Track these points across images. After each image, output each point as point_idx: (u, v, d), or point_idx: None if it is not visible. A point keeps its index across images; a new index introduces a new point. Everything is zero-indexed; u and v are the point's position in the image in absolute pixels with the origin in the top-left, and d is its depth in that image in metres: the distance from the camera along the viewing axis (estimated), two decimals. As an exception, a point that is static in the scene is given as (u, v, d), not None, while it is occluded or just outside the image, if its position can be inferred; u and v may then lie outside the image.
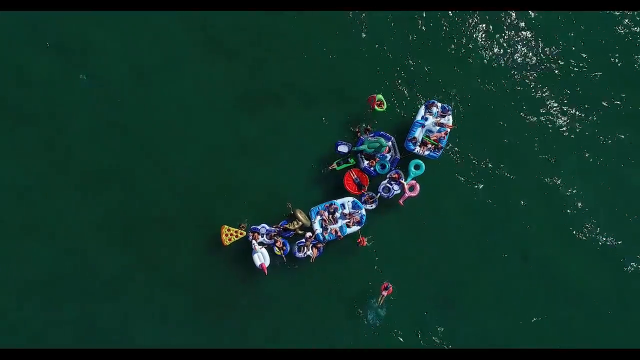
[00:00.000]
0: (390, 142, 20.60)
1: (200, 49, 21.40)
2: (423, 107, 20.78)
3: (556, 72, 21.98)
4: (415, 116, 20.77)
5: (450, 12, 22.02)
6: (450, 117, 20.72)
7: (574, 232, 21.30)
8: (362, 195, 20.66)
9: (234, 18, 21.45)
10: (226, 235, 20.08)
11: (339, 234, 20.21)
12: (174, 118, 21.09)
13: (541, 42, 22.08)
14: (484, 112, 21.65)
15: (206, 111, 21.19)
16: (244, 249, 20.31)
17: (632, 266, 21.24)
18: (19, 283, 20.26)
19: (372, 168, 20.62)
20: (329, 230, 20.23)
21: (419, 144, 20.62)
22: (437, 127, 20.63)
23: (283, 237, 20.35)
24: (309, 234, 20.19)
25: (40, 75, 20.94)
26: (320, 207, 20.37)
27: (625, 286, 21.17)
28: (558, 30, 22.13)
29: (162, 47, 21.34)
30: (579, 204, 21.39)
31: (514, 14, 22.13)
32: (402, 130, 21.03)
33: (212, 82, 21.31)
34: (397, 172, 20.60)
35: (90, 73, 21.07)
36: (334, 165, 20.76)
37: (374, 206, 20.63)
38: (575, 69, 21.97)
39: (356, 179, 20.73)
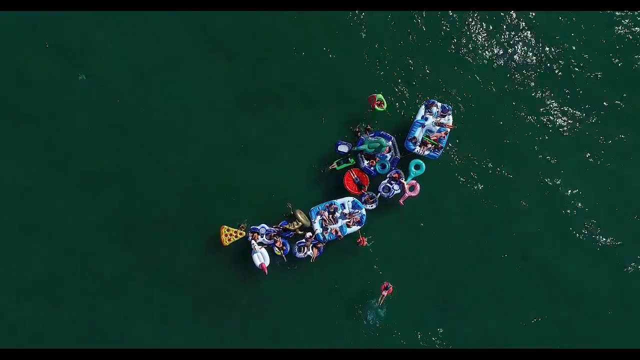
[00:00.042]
0: (390, 142, 20.59)
1: (200, 49, 21.40)
2: (423, 106, 20.77)
3: (556, 72, 21.99)
4: (415, 116, 20.77)
5: (450, 12, 22.01)
6: (451, 117, 20.72)
7: (574, 232, 21.31)
8: (362, 195, 20.66)
9: (234, 18, 21.45)
10: (226, 235, 20.07)
11: (339, 233, 20.20)
12: (174, 118, 21.08)
13: (541, 42, 22.09)
14: (484, 112, 21.66)
15: (206, 111, 21.18)
16: (244, 249, 20.31)
17: (631, 266, 21.26)
18: (19, 283, 20.23)
19: (372, 168, 20.61)
20: (329, 230, 20.23)
21: (419, 143, 20.62)
22: (437, 127, 20.62)
23: (283, 237, 20.34)
24: (309, 234, 20.19)
25: (39, 75, 20.91)
26: (321, 207, 20.37)
27: (625, 286, 21.19)
28: (558, 30, 22.13)
29: (162, 47, 21.33)
30: (579, 204, 21.39)
31: (514, 14, 22.14)
32: (402, 130, 21.03)
33: (212, 81, 21.30)
34: (397, 172, 20.60)
35: (90, 73, 21.05)
36: (334, 165, 20.76)
37: (374, 206, 20.63)
38: (576, 69, 21.97)
39: (356, 179, 20.73)
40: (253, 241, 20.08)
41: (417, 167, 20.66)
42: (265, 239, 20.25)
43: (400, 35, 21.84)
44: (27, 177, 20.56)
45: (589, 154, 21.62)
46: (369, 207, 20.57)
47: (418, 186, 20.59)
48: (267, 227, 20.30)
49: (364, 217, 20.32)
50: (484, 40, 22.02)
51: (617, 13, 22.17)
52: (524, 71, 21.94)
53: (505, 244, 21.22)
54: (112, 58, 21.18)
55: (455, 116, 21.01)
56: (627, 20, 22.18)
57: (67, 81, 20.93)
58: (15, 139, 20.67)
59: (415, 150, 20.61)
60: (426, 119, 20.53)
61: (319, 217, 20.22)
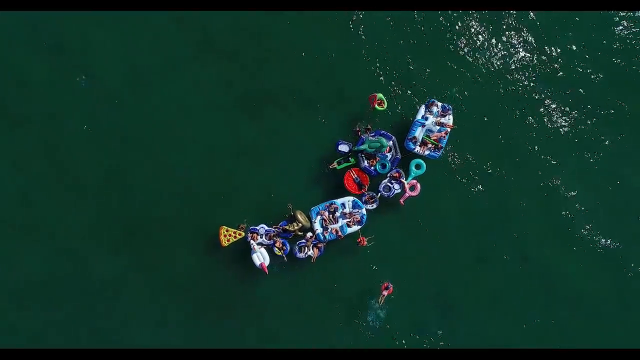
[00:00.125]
0: (391, 142, 20.58)
1: (199, 50, 21.37)
2: (423, 106, 20.77)
3: (556, 72, 21.98)
4: (415, 115, 20.76)
5: (450, 12, 22.00)
6: (451, 117, 20.71)
7: (574, 233, 21.32)
8: (363, 195, 20.65)
9: (234, 18, 21.43)
10: (225, 236, 20.05)
11: (340, 233, 20.19)
12: (173, 118, 21.05)
13: (541, 42, 22.09)
14: (484, 113, 21.66)
15: (206, 111, 21.16)
16: (244, 249, 20.29)
17: (631, 266, 21.25)
18: (18, 283, 20.21)
19: (372, 167, 20.60)
20: (329, 230, 20.22)
21: (419, 143, 20.61)
22: (438, 127, 20.62)
23: (282, 237, 20.32)
24: (309, 234, 20.18)
25: (38, 76, 20.87)
26: (321, 207, 20.36)
27: (624, 286, 21.21)
28: (558, 30, 22.14)
29: (161, 47, 21.29)
30: (579, 205, 21.40)
31: (514, 14, 22.12)
32: (402, 129, 21.02)
33: (211, 81, 21.28)
34: (397, 171, 20.59)
35: (89, 74, 21.01)
36: (335, 165, 20.75)
37: (374, 206, 20.61)
38: (576, 70, 21.97)
39: (356, 179, 20.72)
40: (252, 241, 20.06)
41: (418, 166, 20.66)
42: (265, 240, 20.24)
43: (400, 35, 21.84)
44: (25, 178, 20.52)
45: (589, 155, 21.62)
46: (369, 207, 20.56)
47: (419, 186, 20.59)
48: (266, 228, 20.29)
49: (364, 217, 20.31)
50: (484, 41, 22.02)
51: (618, 13, 22.17)
52: (524, 71, 21.94)
53: (505, 244, 21.22)
54: (111, 59, 21.14)
55: (456, 116, 20.98)
56: (628, 21, 22.17)
57: (65, 81, 20.90)
58: (14, 140, 20.63)
59: (416, 150, 20.61)
60: (426, 119, 20.53)
61: (319, 217, 20.21)
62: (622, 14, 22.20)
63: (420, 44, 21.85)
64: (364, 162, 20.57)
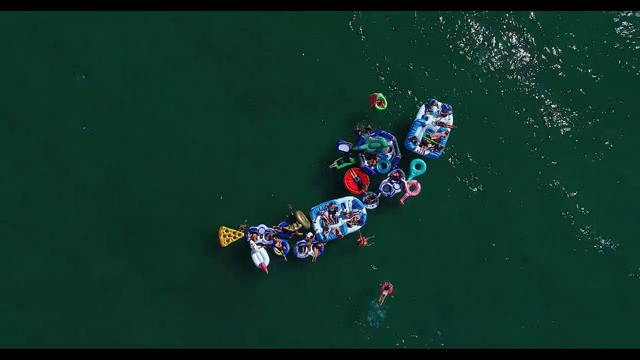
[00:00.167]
0: (391, 142, 20.58)
1: (200, 50, 21.34)
2: (423, 106, 20.76)
3: (556, 72, 21.97)
4: (415, 115, 20.75)
5: (450, 12, 21.99)
6: (451, 117, 20.70)
7: (574, 233, 21.32)
8: (363, 195, 20.65)
9: (234, 18, 21.41)
10: (224, 236, 20.04)
11: (340, 233, 20.19)
12: (173, 119, 21.04)
13: (541, 42, 22.08)
14: (484, 113, 21.65)
15: (206, 111, 21.15)
16: (244, 249, 20.29)
17: (631, 267, 21.25)
18: (19, 283, 20.22)
19: (372, 167, 20.59)
20: (329, 230, 20.21)
21: (419, 143, 20.60)
22: (438, 127, 20.61)
23: (282, 237, 20.32)
24: (310, 234, 20.18)
25: (38, 76, 20.85)
26: (321, 206, 20.35)
27: (624, 286, 21.20)
28: (558, 30, 22.12)
29: (161, 47, 21.26)
30: (579, 205, 21.40)
31: (514, 14, 22.11)
32: (402, 129, 21.02)
33: (211, 82, 21.26)
34: (398, 171, 20.58)
35: (89, 74, 20.99)
36: (335, 164, 20.74)
37: (375, 206, 20.61)
38: (576, 70, 21.96)
39: (356, 178, 20.72)
40: (252, 241, 20.06)
41: (418, 166, 20.65)
42: (265, 240, 20.24)
43: (400, 35, 21.83)
44: (25, 178, 20.51)
45: (589, 155, 21.61)
46: (369, 207, 20.55)
47: (419, 186, 20.58)
48: (266, 228, 20.29)
49: (365, 217, 20.31)
50: (484, 41, 22.02)
51: (618, 13, 22.17)
52: (524, 71, 21.94)
53: (505, 244, 21.22)
54: (110, 58, 21.11)
55: (456, 117, 20.97)
56: (627, 21, 22.17)
57: (65, 81, 20.87)
58: (14, 140, 20.62)
59: (416, 150, 20.60)
60: (426, 119, 20.52)
61: (319, 217, 20.21)
62: (622, 14, 22.20)
63: (420, 44, 21.84)
64: (364, 162, 20.57)
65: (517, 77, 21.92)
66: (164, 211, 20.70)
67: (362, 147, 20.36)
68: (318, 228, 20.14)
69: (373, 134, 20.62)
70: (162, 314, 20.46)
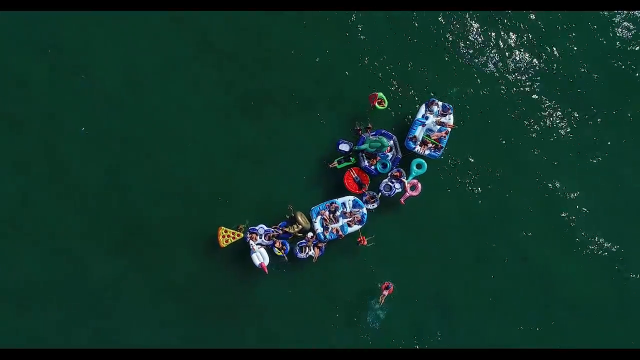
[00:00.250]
0: (391, 141, 20.57)
1: (199, 50, 21.32)
2: (423, 105, 20.75)
3: (556, 73, 21.98)
4: (415, 114, 20.74)
5: (450, 12, 21.98)
6: (451, 117, 20.69)
7: (574, 234, 21.34)
8: (363, 194, 20.64)
9: (234, 18, 21.39)
10: (223, 236, 20.02)
11: (341, 233, 20.18)
12: (173, 119, 21.00)
13: (541, 42, 22.09)
14: (484, 113, 21.66)
15: (205, 111, 21.13)
16: (244, 249, 20.27)
17: (631, 268, 21.26)
18: (18, 283, 20.20)
19: (372, 167, 20.58)
20: (329, 230, 20.21)
21: (419, 142, 20.59)
22: (438, 127, 20.61)
23: (281, 238, 20.31)
24: (310, 234, 20.17)
25: (37, 76, 20.80)
26: (321, 206, 20.34)
27: (624, 286, 21.22)
28: (558, 30, 22.13)
29: (161, 47, 21.23)
30: (579, 206, 21.41)
31: (514, 14, 22.10)
32: (402, 128, 21.02)
33: (211, 82, 21.24)
34: (398, 171, 20.57)
35: (89, 74, 20.95)
36: (335, 164, 20.72)
37: (375, 205, 20.60)
38: (576, 70, 21.97)
39: (356, 178, 20.71)
40: (252, 242, 20.05)
41: (419, 166, 20.63)
42: (264, 240, 20.23)
43: (400, 35, 21.83)
44: (25, 178, 20.47)
45: (589, 156, 21.62)
46: (370, 206, 20.55)
47: (419, 185, 20.57)
48: (265, 228, 20.28)
49: (365, 216, 20.30)
50: (484, 41, 22.02)
51: (618, 13, 22.16)
52: (524, 71, 21.95)
53: (505, 244, 21.23)
54: (110, 58, 21.04)
55: (456, 117, 20.96)
56: (627, 21, 22.18)
57: (65, 81, 20.82)
58: (14, 140, 20.59)
59: (416, 150, 20.59)
60: (427, 118, 20.51)
61: (319, 217, 20.20)
62: (622, 14, 22.20)
63: (420, 43, 21.84)
64: (364, 161, 20.56)
65: (517, 77, 21.93)
66: (163, 211, 20.69)
67: (363, 146, 20.35)
68: (318, 228, 20.13)
69: (373, 133, 20.60)
70: (162, 314, 20.44)
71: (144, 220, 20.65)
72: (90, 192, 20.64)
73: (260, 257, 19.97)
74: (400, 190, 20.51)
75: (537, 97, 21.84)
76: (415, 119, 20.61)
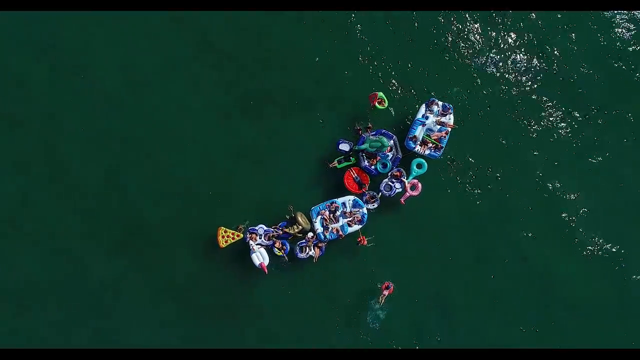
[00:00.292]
0: (392, 141, 20.56)
1: (199, 50, 21.33)
2: (424, 105, 20.74)
3: (557, 73, 21.97)
4: (416, 114, 20.73)
5: (450, 12, 21.98)
6: (452, 117, 20.68)
7: (574, 234, 21.31)
8: (363, 194, 20.64)
9: (234, 18, 21.39)
10: (223, 237, 20.02)
11: (341, 232, 20.18)
12: (173, 119, 21.01)
13: (542, 42, 22.09)
14: (484, 113, 21.64)
15: (205, 111, 21.13)
16: (244, 249, 20.26)
17: (631, 268, 21.25)
18: (18, 283, 20.21)
19: (372, 167, 20.57)
20: (330, 230, 20.20)
21: (419, 142, 20.59)
22: (438, 126, 20.60)
23: (281, 238, 20.30)
24: (310, 234, 20.17)
25: (37, 76, 20.83)
26: (321, 206, 20.33)
27: (624, 287, 21.20)
28: (558, 30, 22.12)
29: (161, 47, 21.25)
30: (579, 207, 21.40)
31: (514, 14, 22.09)
32: (403, 128, 21.02)
33: (211, 82, 21.25)
34: (398, 170, 20.56)
35: (89, 74, 20.97)
36: (335, 164, 20.72)
37: (375, 205, 20.59)
38: (576, 70, 21.95)
39: (357, 178, 20.71)
40: (251, 242, 20.05)
41: (419, 166, 20.62)
42: (264, 240, 20.23)
43: (400, 35, 21.83)
44: (25, 178, 20.48)
45: (589, 156, 21.61)
46: (370, 206, 20.54)
47: (420, 185, 20.56)
48: (265, 228, 20.27)
49: (365, 216, 20.30)
50: (484, 41, 22.03)
51: (618, 13, 22.15)
52: (524, 72, 21.94)
53: (504, 244, 21.22)
54: (110, 59, 21.09)
55: (456, 116, 20.94)
56: (627, 22, 22.17)
57: (65, 81, 20.85)
58: (14, 140, 20.60)
59: (416, 149, 20.59)
60: (427, 118, 20.51)
61: (319, 217, 20.20)
62: (622, 14, 22.19)
63: (420, 43, 21.84)
64: (364, 161, 20.55)
65: (517, 77, 21.92)
66: (163, 211, 20.69)
67: (363, 146, 20.34)
68: (319, 228, 20.13)
69: (374, 133, 20.59)
70: (162, 314, 20.44)
71: (144, 220, 20.65)
72: (90, 192, 20.64)
73: (260, 257, 19.97)
74: (400, 190, 20.51)
75: (537, 97, 21.84)
76: (416, 118, 20.60)
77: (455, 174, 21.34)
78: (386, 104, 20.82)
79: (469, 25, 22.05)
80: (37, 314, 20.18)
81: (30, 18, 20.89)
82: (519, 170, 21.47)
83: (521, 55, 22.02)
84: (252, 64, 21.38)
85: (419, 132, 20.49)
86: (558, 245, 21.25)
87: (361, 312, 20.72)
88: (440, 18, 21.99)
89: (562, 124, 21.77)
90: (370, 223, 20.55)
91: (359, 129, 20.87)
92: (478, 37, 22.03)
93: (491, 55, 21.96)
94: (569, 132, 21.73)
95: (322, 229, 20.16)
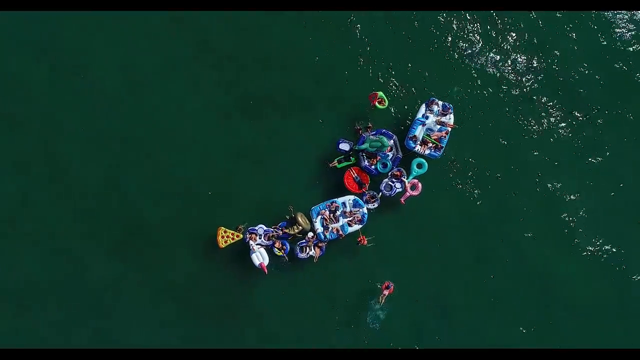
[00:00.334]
0: (392, 141, 20.56)
1: (199, 50, 21.33)
2: (424, 104, 20.74)
3: (557, 73, 21.97)
4: (416, 114, 20.72)
5: (450, 12, 21.96)
6: (452, 116, 20.67)
7: (574, 235, 21.31)
8: (363, 194, 20.63)
9: (233, 18, 21.39)
10: (222, 237, 20.01)
11: (341, 232, 20.18)
12: (173, 119, 21.00)
13: (542, 43, 22.09)
14: (484, 113, 21.64)
15: (205, 111, 21.12)
16: (243, 249, 20.24)
17: (631, 268, 21.26)
18: (18, 283, 20.21)
19: (372, 167, 20.56)
20: (330, 229, 20.20)
21: (419, 142, 20.58)
22: (438, 126, 20.59)
23: (281, 238, 20.30)
24: (310, 234, 20.17)
25: (37, 76, 20.82)
26: (322, 206, 20.33)
27: (624, 287, 21.20)
28: (558, 30, 22.12)
29: (161, 48, 21.25)
30: (579, 208, 21.39)
31: (514, 15, 22.08)
32: (403, 128, 21.01)
33: (211, 82, 21.24)
34: (399, 170, 20.55)
35: (88, 74, 20.96)
36: (335, 163, 20.71)
37: (376, 205, 20.58)
38: (577, 71, 21.94)
39: (356, 178, 20.71)
40: (251, 242, 20.05)
41: (420, 165, 20.60)
42: (264, 240, 20.22)
43: (400, 34, 21.83)
44: (25, 178, 20.47)
45: (589, 156, 21.61)
46: (370, 206, 20.53)
47: (420, 185, 20.55)
48: (265, 228, 20.27)
49: (366, 216, 20.30)
50: (484, 41, 22.02)
51: (618, 14, 22.15)
52: (524, 72, 21.94)
53: (504, 245, 21.21)
54: (110, 59, 21.07)
55: (456, 116, 20.93)
56: (628, 22, 22.16)
57: (64, 82, 20.84)
58: (14, 140, 20.60)
59: (416, 149, 20.58)
60: (427, 117, 20.50)
61: (320, 217, 20.19)
62: (622, 15, 22.18)
63: (420, 43, 21.84)
64: (364, 161, 20.54)
65: (517, 77, 21.92)
66: (163, 211, 20.69)
67: (363, 146, 20.32)
68: (319, 227, 20.12)
69: (374, 132, 20.58)
70: (162, 314, 20.44)
71: (144, 220, 20.64)
72: (90, 192, 20.64)
73: (259, 257, 19.96)
74: (400, 190, 20.50)
75: (537, 97, 21.83)
76: (416, 118, 20.59)
77: (455, 174, 21.34)
78: (386, 104, 20.81)
79: (469, 25, 22.05)
80: (37, 314, 20.19)
81: (30, 18, 20.88)
82: (519, 170, 21.46)
83: (521, 55, 22.02)
84: (252, 64, 21.37)
85: (419, 131, 20.48)
86: (558, 246, 21.25)
87: (361, 312, 20.71)
88: (440, 18, 21.98)
89: (562, 124, 21.76)
90: (371, 223, 20.55)
91: (359, 129, 20.87)
92: (478, 37, 22.03)
93: (491, 55, 21.96)
94: (569, 132, 21.72)
95: (322, 228, 20.16)
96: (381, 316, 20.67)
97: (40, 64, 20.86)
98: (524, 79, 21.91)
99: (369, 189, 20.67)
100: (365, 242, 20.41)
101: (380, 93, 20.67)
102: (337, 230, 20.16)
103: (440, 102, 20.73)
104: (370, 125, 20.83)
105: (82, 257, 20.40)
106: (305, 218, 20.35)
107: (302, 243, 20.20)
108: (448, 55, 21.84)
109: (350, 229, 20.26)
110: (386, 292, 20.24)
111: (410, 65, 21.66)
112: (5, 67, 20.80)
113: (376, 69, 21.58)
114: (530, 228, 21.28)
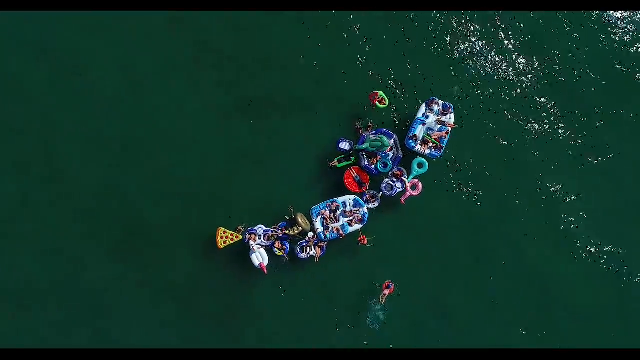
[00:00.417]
0: (392, 141, 20.55)
1: (199, 50, 21.30)
2: (424, 104, 20.73)
3: (557, 73, 21.96)
4: (416, 113, 20.71)
5: (449, 13, 21.96)
6: (452, 116, 20.66)
7: (573, 235, 21.34)
8: (364, 193, 20.63)
9: (233, 19, 21.36)
10: (222, 237, 20.00)
11: (341, 232, 20.17)
12: (172, 120, 20.98)
13: (542, 43, 22.08)
14: (484, 114, 21.64)
15: (205, 112, 21.09)
16: (243, 249, 20.25)
17: (630, 269, 21.27)
18: (18, 284, 20.20)
19: (373, 166, 20.56)
20: (330, 229, 20.19)
21: (419, 142, 20.57)
22: (438, 126, 20.58)
23: (280, 238, 20.30)
24: (310, 234, 20.17)
25: (37, 77, 20.78)
26: (322, 206, 20.32)
27: (623, 288, 21.23)
28: (558, 31, 22.10)
29: (160, 48, 21.21)
30: (579, 208, 21.41)
31: (514, 15, 22.07)
32: (403, 127, 21.00)
33: (211, 82, 21.22)
34: (399, 170, 20.55)
35: (88, 75, 20.93)
36: (335, 163, 20.70)
37: (376, 205, 20.57)
38: (577, 71, 21.94)
39: (357, 177, 20.70)
40: (251, 242, 20.05)
41: (420, 165, 20.59)
42: (263, 240, 20.22)
43: (400, 35, 21.81)
44: (25, 179, 20.44)
45: (589, 157, 21.61)
46: (370, 206, 20.53)
47: (420, 185, 20.55)
48: (264, 228, 20.27)
49: (366, 216, 20.29)
50: (484, 41, 22.01)
51: (618, 14, 22.14)
52: (524, 72, 21.93)
53: (504, 245, 21.24)
54: (109, 59, 21.00)
55: (457, 116, 20.92)
56: (628, 22, 22.16)
57: (63, 83, 20.80)
58: (13, 141, 20.58)
59: (416, 149, 20.57)
60: (427, 117, 20.49)
61: (320, 217, 20.19)
62: (622, 15, 22.17)
63: (420, 44, 21.83)
64: (364, 160, 20.53)
65: (517, 77, 21.91)
66: (163, 211, 20.69)
67: (363, 146, 20.31)
68: (319, 227, 20.12)
69: (374, 132, 20.57)
70: (161, 314, 20.45)
71: (143, 220, 20.64)
72: (90, 192, 20.62)
73: (259, 257, 19.96)
74: (401, 189, 20.49)
75: (537, 97, 21.83)
76: (416, 117, 20.58)
77: (455, 174, 21.34)
78: (387, 103, 20.80)
79: (469, 26, 22.03)
80: (37, 314, 20.19)
81: (30, 18, 20.85)
82: (519, 171, 21.46)
83: (521, 55, 22.00)
84: (252, 65, 21.36)
85: (419, 131, 20.47)
86: (558, 246, 21.27)
87: (361, 312, 20.73)
88: (440, 18, 21.97)
89: (562, 124, 21.76)
90: (371, 223, 20.55)
91: (359, 128, 20.86)
92: (478, 37, 22.01)
93: (491, 55, 21.95)
94: (569, 133, 21.71)
95: (322, 228, 20.16)
96: (381, 316, 20.68)
97: (40, 64, 20.83)
98: (524, 79, 21.91)
99: (369, 188, 20.66)
100: (366, 241, 20.41)
101: (381, 92, 20.65)
102: (338, 230, 20.15)
103: (440, 102, 20.72)
104: (370, 124, 20.82)
105: (82, 257, 20.40)
106: (305, 219, 20.34)
107: (302, 243, 20.20)
108: (448, 55, 21.83)
109: (350, 229, 20.26)
110: (387, 292, 20.25)
111: (410, 65, 21.65)
112: (5, 67, 20.77)
113: (376, 69, 21.57)
114: (530, 228, 21.29)
